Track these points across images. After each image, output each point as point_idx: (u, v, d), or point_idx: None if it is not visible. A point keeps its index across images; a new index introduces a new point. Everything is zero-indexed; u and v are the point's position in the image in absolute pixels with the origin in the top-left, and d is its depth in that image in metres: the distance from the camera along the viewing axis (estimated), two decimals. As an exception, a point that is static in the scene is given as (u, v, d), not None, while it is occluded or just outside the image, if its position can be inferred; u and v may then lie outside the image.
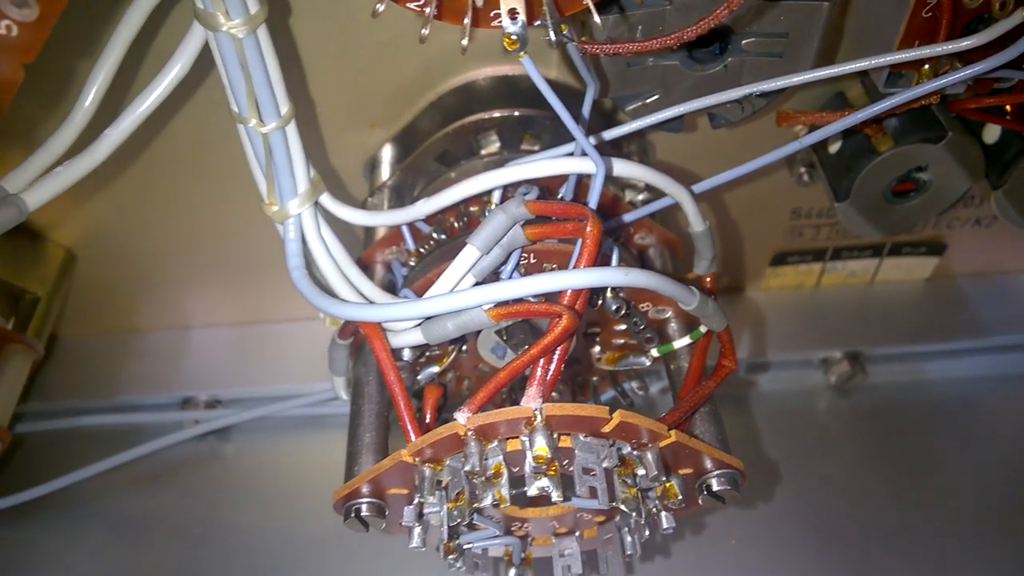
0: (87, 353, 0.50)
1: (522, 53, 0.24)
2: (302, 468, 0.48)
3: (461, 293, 0.27)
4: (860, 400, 0.51)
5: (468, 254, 0.29)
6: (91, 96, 0.28)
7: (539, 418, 0.26)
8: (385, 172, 0.42)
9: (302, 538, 0.44)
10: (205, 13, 0.26)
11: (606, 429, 0.28)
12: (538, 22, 0.24)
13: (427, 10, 0.24)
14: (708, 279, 0.33)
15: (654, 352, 0.34)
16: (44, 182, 0.26)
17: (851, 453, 0.48)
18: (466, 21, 0.24)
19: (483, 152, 0.39)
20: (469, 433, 0.27)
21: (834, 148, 0.41)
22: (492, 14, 0.25)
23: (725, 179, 0.33)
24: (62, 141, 0.27)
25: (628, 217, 0.35)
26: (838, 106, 0.40)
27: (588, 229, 0.27)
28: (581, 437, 0.28)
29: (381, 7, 0.23)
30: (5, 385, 0.42)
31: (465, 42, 0.24)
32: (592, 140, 0.31)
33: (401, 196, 0.41)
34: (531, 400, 0.27)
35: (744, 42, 0.33)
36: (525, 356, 0.26)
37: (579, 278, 0.26)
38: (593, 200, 0.29)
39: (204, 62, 0.28)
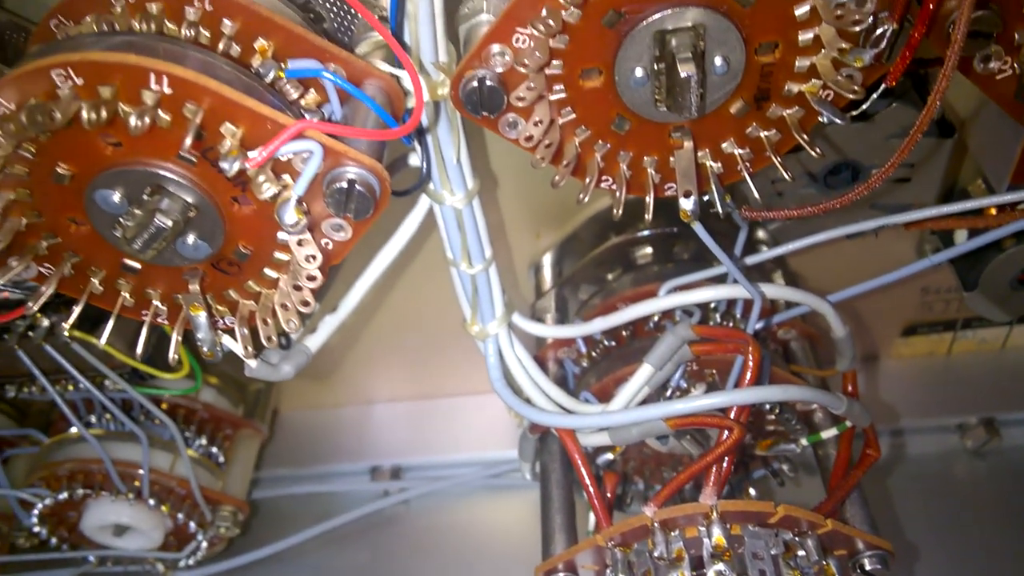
0: (293, 428, 0.59)
1: (694, 222, 0.29)
2: (474, 527, 0.55)
3: (646, 408, 0.33)
4: (997, 462, 0.53)
5: (645, 371, 0.35)
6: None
7: (715, 513, 0.32)
8: (547, 275, 0.49)
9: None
10: (434, 192, 0.33)
11: (772, 520, 0.33)
12: (706, 197, 0.30)
13: (618, 194, 0.30)
14: (850, 379, 0.38)
15: (804, 442, 0.38)
16: (319, 330, 0.34)
17: (991, 514, 0.50)
18: (648, 200, 0.30)
19: (639, 261, 0.45)
20: (655, 524, 0.33)
21: (960, 240, 0.45)
22: (666, 187, 0.31)
23: (860, 291, 0.37)
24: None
25: (775, 320, 0.40)
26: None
27: (750, 353, 0.32)
28: (750, 527, 0.33)
29: (586, 197, 0.30)
30: (241, 464, 0.51)
31: (648, 217, 0.30)
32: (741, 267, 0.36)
33: (564, 299, 0.47)
34: (708, 498, 0.32)
35: (874, 171, 0.38)
36: (702, 462, 0.32)
37: (746, 396, 0.31)
38: (751, 326, 0.34)
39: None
